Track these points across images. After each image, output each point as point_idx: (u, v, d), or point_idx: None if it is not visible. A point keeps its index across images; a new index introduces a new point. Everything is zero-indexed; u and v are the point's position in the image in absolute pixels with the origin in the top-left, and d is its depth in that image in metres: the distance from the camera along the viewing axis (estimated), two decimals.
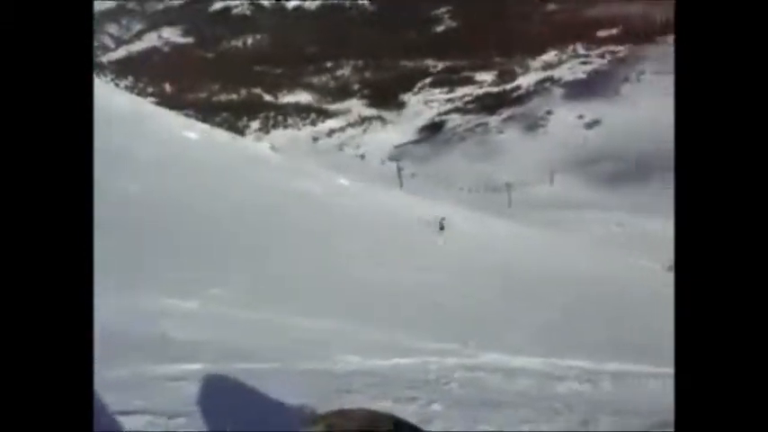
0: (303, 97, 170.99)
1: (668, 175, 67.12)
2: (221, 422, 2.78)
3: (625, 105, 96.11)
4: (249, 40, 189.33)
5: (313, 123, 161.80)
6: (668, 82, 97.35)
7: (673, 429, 1.61)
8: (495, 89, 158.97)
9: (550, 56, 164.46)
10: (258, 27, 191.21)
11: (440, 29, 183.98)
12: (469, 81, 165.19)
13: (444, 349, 4.80)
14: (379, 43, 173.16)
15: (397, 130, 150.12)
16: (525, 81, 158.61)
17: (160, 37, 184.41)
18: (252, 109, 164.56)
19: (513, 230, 25.50)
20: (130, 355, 3.32)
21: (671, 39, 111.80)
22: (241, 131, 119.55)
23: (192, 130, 24.09)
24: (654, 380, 4.96)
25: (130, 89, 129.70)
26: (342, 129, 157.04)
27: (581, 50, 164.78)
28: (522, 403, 3.87)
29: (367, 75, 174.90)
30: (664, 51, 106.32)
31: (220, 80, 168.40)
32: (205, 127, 34.42)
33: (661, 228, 44.00)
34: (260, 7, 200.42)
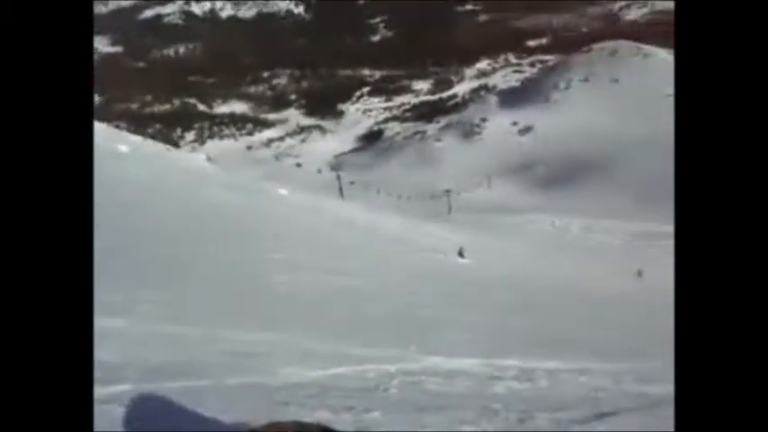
0: (239, 107, 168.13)
1: (600, 177, 70.18)
2: None
3: (555, 112, 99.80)
4: (182, 50, 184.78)
5: (250, 133, 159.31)
6: (593, 89, 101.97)
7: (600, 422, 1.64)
8: (431, 97, 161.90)
9: (484, 64, 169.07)
10: (191, 36, 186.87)
11: (376, 38, 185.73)
12: (407, 90, 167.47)
13: (384, 356, 4.80)
14: (316, 52, 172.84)
15: (336, 139, 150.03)
16: (461, 89, 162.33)
17: None
18: (186, 120, 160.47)
19: (452, 235, 25.93)
20: None
21: (596, 47, 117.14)
22: (175, 143, 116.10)
23: (123, 143, 23.23)
24: (581, 375, 5.13)
25: None
26: (280, 138, 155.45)
27: (513, 59, 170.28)
28: (461, 405, 3.91)
29: (304, 84, 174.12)
30: (589, 59, 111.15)
31: (152, 90, 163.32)
32: (137, 139, 33.25)
33: (597, 228, 46.02)
34: (192, 16, 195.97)
